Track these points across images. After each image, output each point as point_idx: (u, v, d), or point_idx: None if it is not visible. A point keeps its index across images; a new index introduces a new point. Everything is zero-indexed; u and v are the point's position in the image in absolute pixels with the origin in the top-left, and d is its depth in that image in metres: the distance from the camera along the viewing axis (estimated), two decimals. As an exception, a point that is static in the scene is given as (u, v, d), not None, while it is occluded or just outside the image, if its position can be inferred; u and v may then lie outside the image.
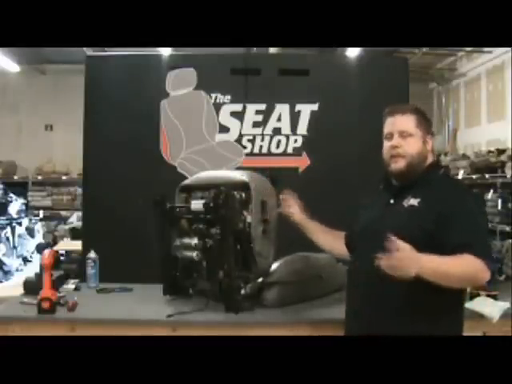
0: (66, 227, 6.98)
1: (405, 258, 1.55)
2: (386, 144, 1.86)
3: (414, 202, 1.77)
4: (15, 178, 8.54)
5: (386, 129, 1.88)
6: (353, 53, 5.65)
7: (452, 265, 1.60)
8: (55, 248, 5.06)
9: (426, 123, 1.87)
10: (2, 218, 6.94)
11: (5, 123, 8.76)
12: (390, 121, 1.87)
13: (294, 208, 2.17)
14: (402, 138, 1.82)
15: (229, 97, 2.99)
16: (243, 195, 2.28)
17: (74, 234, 5.72)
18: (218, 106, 3.00)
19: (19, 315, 2.23)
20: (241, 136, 3.00)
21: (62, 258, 4.00)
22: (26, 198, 8.21)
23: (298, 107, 2.99)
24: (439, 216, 1.70)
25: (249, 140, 3.00)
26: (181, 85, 3.00)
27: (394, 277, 1.60)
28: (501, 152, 6.25)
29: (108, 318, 2.21)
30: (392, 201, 1.84)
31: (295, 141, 3.00)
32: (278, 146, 3.00)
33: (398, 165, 1.82)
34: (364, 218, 1.92)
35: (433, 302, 1.70)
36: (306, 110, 2.99)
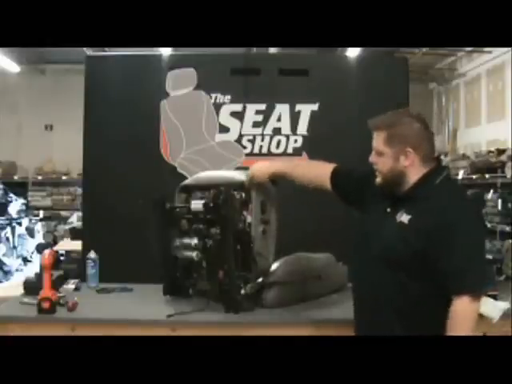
0: (66, 227, 6.97)
1: None
2: None
3: (405, 218, 1.73)
4: (15, 178, 8.54)
5: None
6: (353, 53, 5.65)
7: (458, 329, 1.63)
8: (55, 248, 5.05)
9: (400, 137, 1.74)
10: (2, 218, 6.93)
11: (5, 123, 8.75)
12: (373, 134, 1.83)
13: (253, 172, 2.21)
14: (377, 156, 1.79)
15: (229, 97, 2.99)
16: (243, 195, 2.28)
17: (74, 234, 5.71)
18: (218, 106, 2.99)
19: (19, 315, 2.23)
20: (241, 136, 2.99)
21: (61, 258, 4.00)
22: (26, 198, 8.20)
23: (298, 107, 2.99)
24: (428, 237, 1.67)
25: (249, 140, 2.99)
26: (181, 85, 3.00)
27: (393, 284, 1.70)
28: (501, 152, 6.25)
29: (108, 318, 2.21)
30: (389, 209, 1.80)
31: (295, 141, 3.00)
32: (278, 146, 3.00)
33: (378, 180, 1.81)
34: (367, 221, 1.88)
35: (432, 306, 1.71)
36: (306, 110, 2.99)
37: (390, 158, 1.76)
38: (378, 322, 1.78)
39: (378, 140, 1.78)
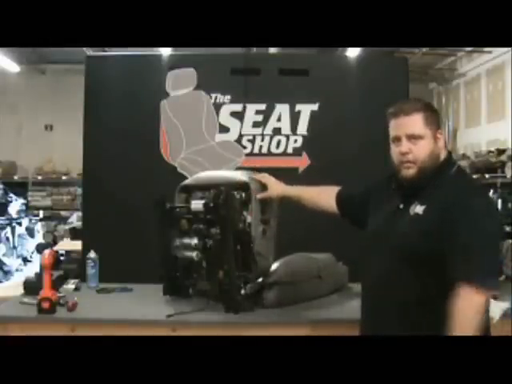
0: (66, 227, 6.98)
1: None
2: (395, 149, 1.72)
3: (419, 209, 1.67)
4: (15, 178, 8.55)
5: (393, 132, 1.73)
6: (353, 53, 5.65)
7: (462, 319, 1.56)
8: (55, 248, 5.06)
9: (434, 118, 1.72)
10: (2, 218, 6.94)
11: (5, 123, 8.75)
12: (396, 123, 1.71)
13: (270, 185, 2.20)
14: (412, 143, 1.68)
15: (229, 97, 2.99)
16: (243, 195, 2.28)
17: (74, 234, 5.71)
18: (218, 106, 2.99)
19: (19, 315, 2.23)
20: (241, 136, 2.99)
21: (62, 257, 4.00)
22: (25, 198, 8.22)
23: (298, 107, 2.99)
24: (441, 224, 1.61)
25: (249, 140, 3.00)
26: (181, 85, 3.00)
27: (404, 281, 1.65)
28: (501, 152, 6.26)
29: (108, 318, 2.21)
30: (401, 205, 1.74)
31: (295, 141, 3.00)
32: (278, 146, 3.00)
33: (410, 172, 1.70)
34: (375, 220, 1.83)
35: (445, 304, 1.70)
36: (306, 110, 2.99)
37: (431, 139, 1.69)
38: (387, 321, 1.74)
39: (416, 123, 1.68)
